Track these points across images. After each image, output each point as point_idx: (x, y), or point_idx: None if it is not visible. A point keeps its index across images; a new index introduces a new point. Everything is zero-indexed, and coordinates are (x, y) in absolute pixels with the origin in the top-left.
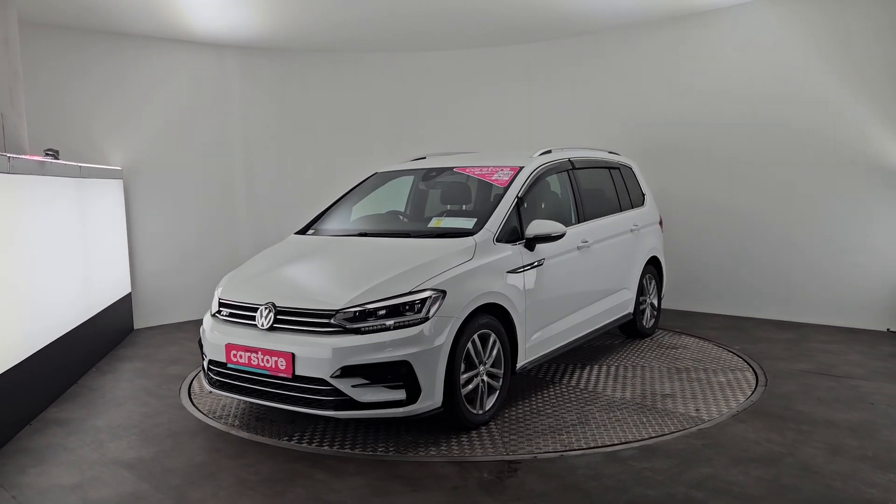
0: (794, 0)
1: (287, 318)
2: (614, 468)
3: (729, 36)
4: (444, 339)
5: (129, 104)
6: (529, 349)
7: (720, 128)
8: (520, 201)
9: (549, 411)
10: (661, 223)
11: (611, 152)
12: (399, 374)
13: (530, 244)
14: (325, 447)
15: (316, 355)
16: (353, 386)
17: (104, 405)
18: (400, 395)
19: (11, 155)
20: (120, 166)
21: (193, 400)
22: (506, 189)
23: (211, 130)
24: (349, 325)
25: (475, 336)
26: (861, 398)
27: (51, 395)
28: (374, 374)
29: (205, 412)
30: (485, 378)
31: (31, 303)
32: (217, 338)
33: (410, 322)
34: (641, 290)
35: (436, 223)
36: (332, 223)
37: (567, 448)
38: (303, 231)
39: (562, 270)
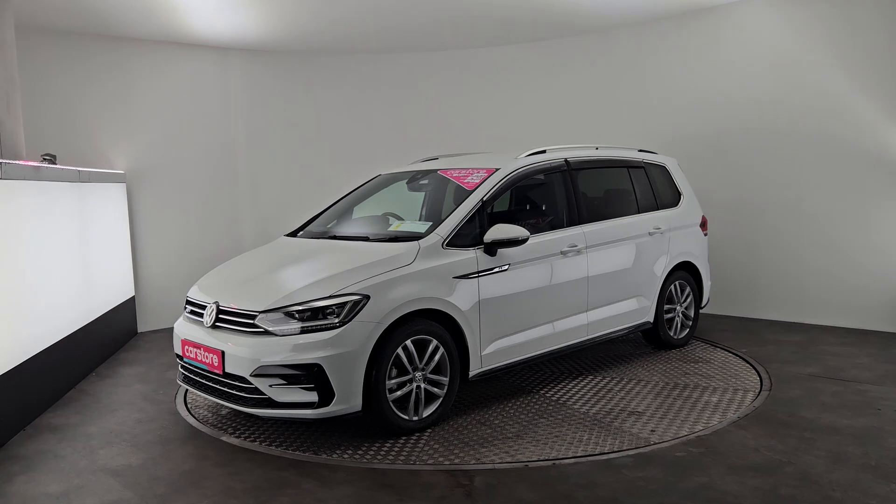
0: None
1: (225, 318)
2: (607, 477)
3: (733, 33)
4: (363, 343)
5: (133, 108)
6: (487, 357)
7: (730, 126)
8: (484, 205)
9: (497, 422)
10: (703, 225)
11: (641, 150)
12: (311, 376)
13: (490, 249)
14: (315, 454)
15: (239, 354)
16: (270, 385)
17: (99, 411)
18: (313, 396)
19: (4, 161)
20: (123, 170)
21: (189, 405)
22: (470, 193)
23: (214, 133)
24: (270, 327)
25: (408, 342)
26: (868, 403)
27: (47, 401)
28: (290, 375)
29: (197, 418)
30: (422, 385)
31: (25, 307)
32: (178, 333)
33: (327, 326)
34: (669, 298)
35: (395, 227)
36: (320, 225)
37: (478, 461)
38: (293, 233)
39: (536, 276)
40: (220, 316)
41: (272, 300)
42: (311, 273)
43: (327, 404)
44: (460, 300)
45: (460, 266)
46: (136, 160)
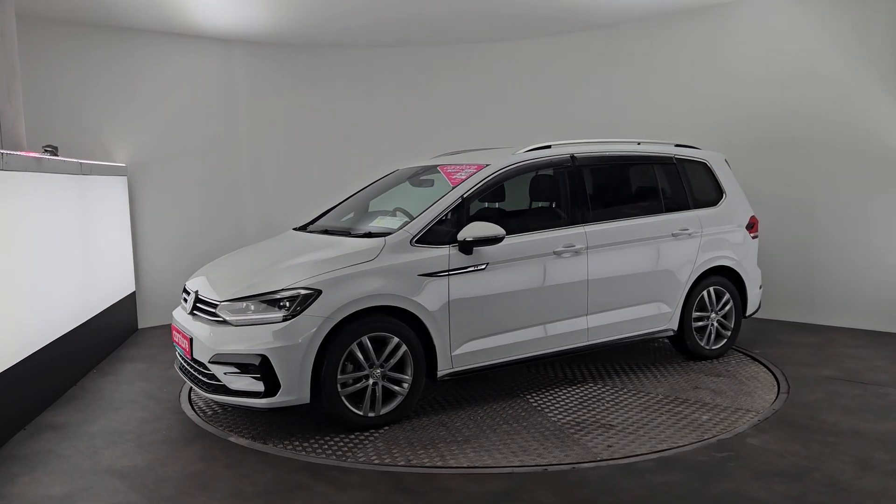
0: None
1: (200, 306)
2: (630, 482)
3: (748, 28)
4: (310, 337)
5: (135, 100)
6: (459, 358)
7: (743, 125)
8: (465, 201)
9: (458, 424)
10: (751, 227)
11: (679, 145)
12: (258, 366)
13: (465, 247)
14: (328, 457)
15: (202, 341)
16: (225, 373)
17: (101, 409)
18: (261, 386)
19: (5, 151)
20: (124, 163)
21: (193, 404)
22: (450, 189)
23: (218, 126)
24: (228, 317)
25: (365, 338)
26: (890, 407)
27: (48, 398)
28: (241, 364)
29: (203, 417)
30: (380, 382)
31: (25, 303)
32: (173, 318)
33: (276, 318)
34: (702, 305)
35: (376, 222)
36: (328, 219)
37: (407, 464)
38: (304, 226)
39: (519, 277)
40: (197, 304)
41: (232, 291)
42: (280, 266)
43: (273, 394)
44: (426, 298)
45: (428, 264)
46: (138, 153)
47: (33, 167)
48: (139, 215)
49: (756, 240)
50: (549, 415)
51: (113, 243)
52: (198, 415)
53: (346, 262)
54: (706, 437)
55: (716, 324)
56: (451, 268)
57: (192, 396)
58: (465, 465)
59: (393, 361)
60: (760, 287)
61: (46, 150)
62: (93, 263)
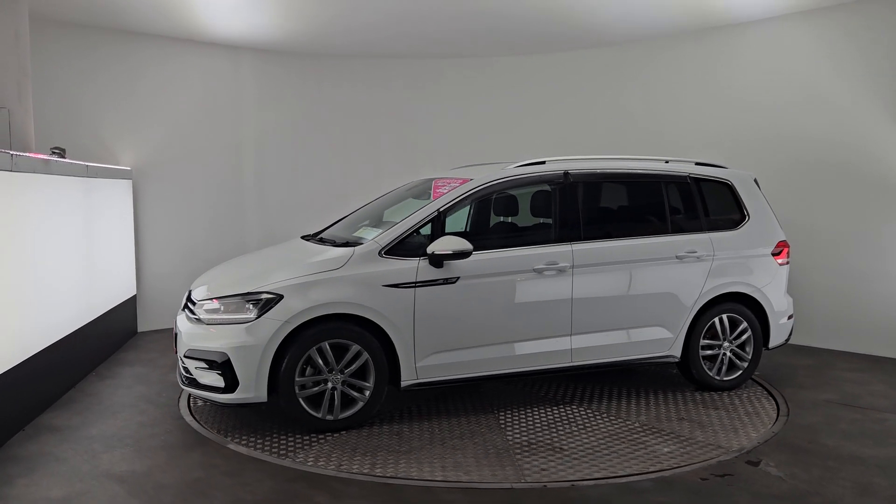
0: (827, 15)
1: (187, 305)
2: (628, 500)
3: (749, 50)
4: (268, 339)
5: (142, 104)
6: (424, 369)
7: (743, 146)
8: (440, 215)
9: (413, 435)
10: (780, 255)
11: (700, 163)
12: (220, 364)
13: (434, 261)
14: (327, 467)
15: (182, 337)
16: (196, 368)
17: (100, 412)
18: (222, 382)
19: (14, 152)
20: (129, 167)
21: (192, 410)
22: (427, 203)
23: (223, 133)
24: (202, 316)
25: (325, 343)
26: (888, 433)
27: (47, 400)
28: (208, 360)
29: (203, 423)
30: (338, 387)
31: (29, 304)
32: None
33: (240, 320)
34: (713, 333)
35: (357, 232)
36: (334, 228)
37: (337, 469)
38: (313, 234)
39: (492, 292)
40: (187, 303)
41: (210, 292)
42: (259, 272)
43: (233, 391)
44: (389, 309)
45: (394, 275)
46: (143, 157)
47: (41, 169)
48: (142, 219)
49: (785, 267)
50: (507, 433)
51: (115, 246)
52: (197, 420)
53: (312, 270)
54: (649, 471)
55: (729, 353)
56: (418, 280)
57: (192, 402)
58: (389, 476)
59: (354, 368)
60: (790, 317)
61: (54, 152)
62: (95, 266)
